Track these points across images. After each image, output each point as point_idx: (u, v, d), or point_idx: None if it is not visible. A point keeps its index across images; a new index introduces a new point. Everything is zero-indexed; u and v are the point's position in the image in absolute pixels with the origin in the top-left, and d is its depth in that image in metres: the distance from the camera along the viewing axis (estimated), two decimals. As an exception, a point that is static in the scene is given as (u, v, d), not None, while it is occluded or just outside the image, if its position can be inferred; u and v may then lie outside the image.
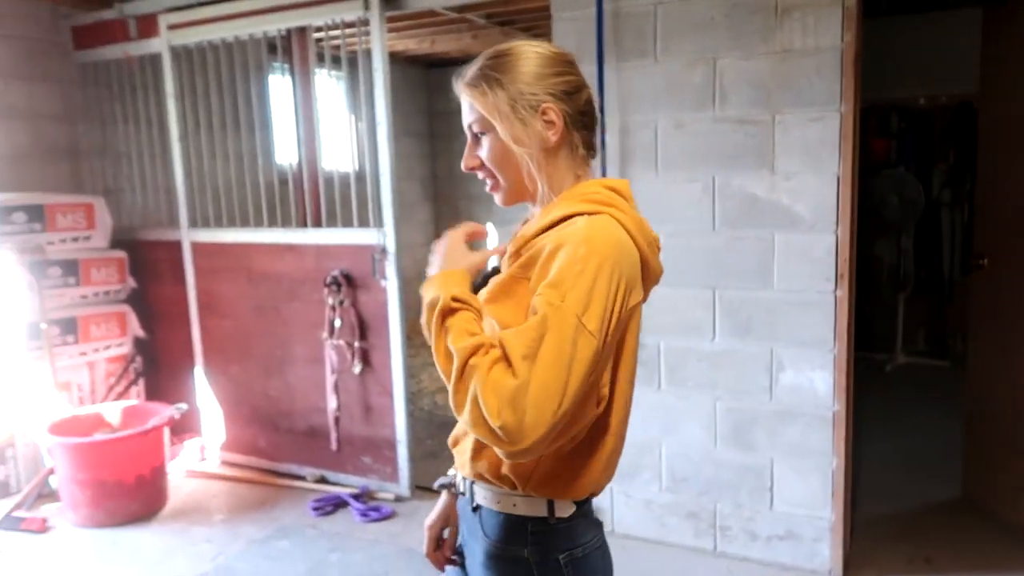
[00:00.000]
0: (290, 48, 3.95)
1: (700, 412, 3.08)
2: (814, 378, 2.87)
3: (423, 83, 7.75)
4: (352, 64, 3.66)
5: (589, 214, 1.17)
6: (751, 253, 2.92)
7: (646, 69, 2.99)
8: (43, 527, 3.52)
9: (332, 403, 3.82)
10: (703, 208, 2.97)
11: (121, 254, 4.18)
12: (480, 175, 1.29)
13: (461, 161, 1.30)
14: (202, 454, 4.24)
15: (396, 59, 6.92)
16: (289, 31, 3.79)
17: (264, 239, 3.92)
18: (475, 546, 1.32)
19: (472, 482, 1.30)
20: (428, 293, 1.21)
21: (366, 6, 3.41)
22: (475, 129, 1.24)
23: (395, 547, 3.27)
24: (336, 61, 3.79)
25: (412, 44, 6.28)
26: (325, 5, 3.53)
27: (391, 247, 3.57)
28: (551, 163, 1.24)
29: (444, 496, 1.47)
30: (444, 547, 1.48)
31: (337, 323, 3.73)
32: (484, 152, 1.25)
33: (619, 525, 3.29)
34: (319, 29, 3.76)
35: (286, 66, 4.19)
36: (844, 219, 2.76)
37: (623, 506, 3.27)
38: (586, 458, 1.23)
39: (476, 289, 1.29)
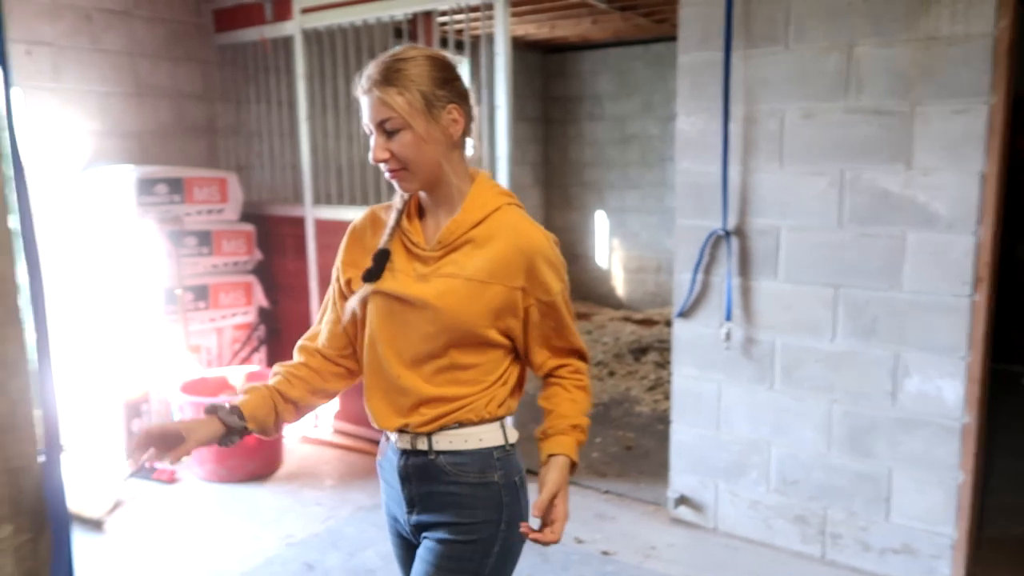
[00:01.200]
0: (415, 32, 4.04)
1: (815, 414, 2.96)
2: (943, 386, 2.71)
3: (540, 68, 7.76)
4: (474, 48, 3.70)
5: (507, 205, 1.47)
6: (879, 251, 2.77)
7: (776, 56, 2.88)
8: (172, 478, 3.78)
9: (440, 381, 3.91)
10: (829, 202, 2.85)
11: (249, 227, 4.41)
12: (387, 166, 1.41)
13: (370, 154, 1.41)
14: (316, 421, 4.44)
15: (515, 44, 6.94)
16: (415, 15, 3.87)
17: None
18: (434, 489, 1.49)
19: (429, 435, 1.47)
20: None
21: (491, -9, 3.44)
22: (388, 127, 1.38)
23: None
24: (458, 45, 3.85)
25: (532, 29, 6.29)
26: (451, -11, 3.59)
27: (504, 230, 3.60)
28: (454, 156, 1.44)
29: (210, 419, 1.46)
30: (174, 452, 1.39)
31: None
32: (397, 147, 1.38)
33: (722, 523, 3.22)
34: (444, 13, 3.82)
35: (410, 50, 4.28)
36: (987, 219, 2.58)
37: (728, 504, 3.20)
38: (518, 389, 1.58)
39: (373, 274, 1.46)
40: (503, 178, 3.58)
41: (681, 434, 3.31)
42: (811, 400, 2.96)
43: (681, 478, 3.33)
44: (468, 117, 1.45)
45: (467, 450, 1.47)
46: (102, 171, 4.02)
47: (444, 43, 4.11)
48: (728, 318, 3.07)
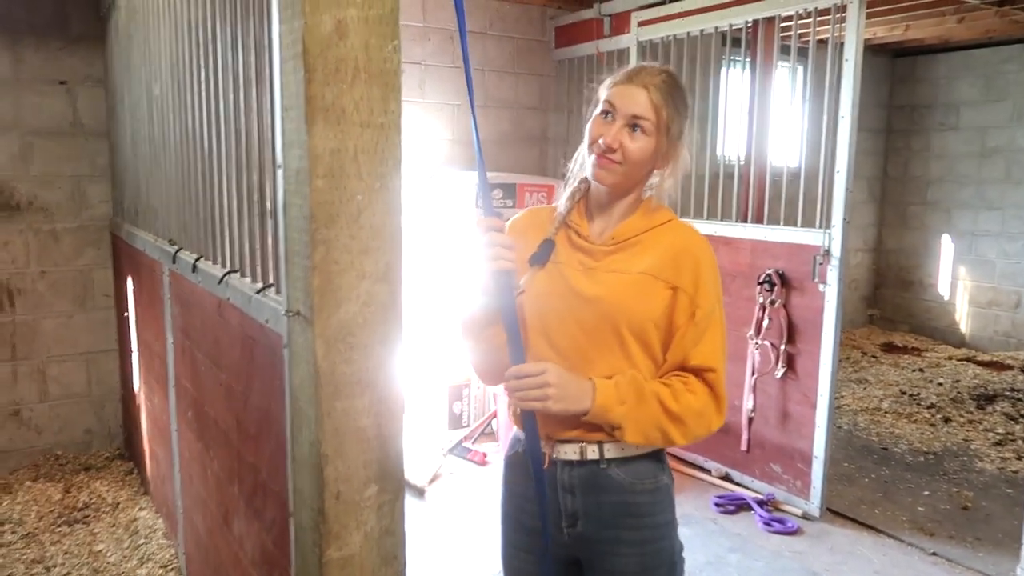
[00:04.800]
0: (754, 39, 3.90)
1: None
2: None
3: (887, 74, 7.08)
4: (818, 54, 3.46)
5: (677, 220, 1.52)
6: None
7: None
8: (483, 461, 4.09)
9: (748, 403, 3.74)
10: None
11: (571, 232, 4.61)
12: (610, 154, 1.42)
13: (605, 138, 1.42)
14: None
15: (857, 49, 6.41)
16: (756, 22, 3.74)
17: (701, 230, 3.97)
18: (603, 500, 1.44)
19: (600, 444, 1.43)
20: (615, 406, 1.37)
21: (845, -9, 3.20)
22: (640, 124, 1.41)
23: (798, 565, 3.10)
24: (799, 52, 3.63)
25: (881, 31, 5.75)
26: (799, -7, 3.41)
27: (836, 250, 3.33)
28: (646, 180, 1.50)
29: None
30: None
31: (765, 323, 3.62)
32: (632, 144, 1.41)
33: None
34: (786, 19, 3.63)
35: (745, 59, 4.16)
36: None
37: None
38: None
39: (539, 258, 1.48)
40: (840, 195, 3.31)
41: (1043, 505, 2.78)
42: None
43: (1039, 557, 2.80)
44: (675, 158, 1.50)
45: (636, 455, 1.44)
46: (451, 174, 4.48)
47: (782, 50, 3.93)
48: (1125, 374, 2.51)
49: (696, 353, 1.40)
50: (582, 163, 1.50)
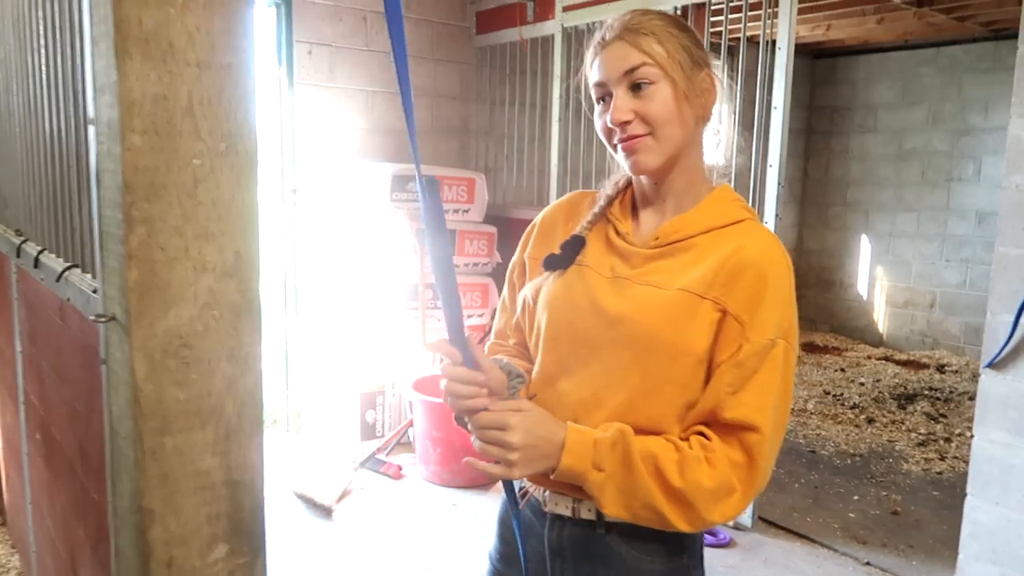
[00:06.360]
0: (682, 27, 3.73)
1: None
2: None
3: (807, 75, 7.09)
4: (749, 53, 3.31)
5: (751, 221, 1.13)
6: None
7: None
8: (398, 474, 3.79)
9: (678, 408, 3.56)
10: None
11: (492, 229, 4.35)
12: (624, 132, 1.08)
13: (611, 116, 1.08)
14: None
15: (780, 48, 6.39)
16: (686, 8, 3.56)
17: (629, 227, 3.78)
18: (599, 573, 1.12)
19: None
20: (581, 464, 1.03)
21: (778, -21, 3.05)
22: (638, 77, 1.06)
23: (732, 582, 2.93)
24: (729, 51, 3.47)
25: (803, 31, 5.72)
26: (731, -21, 3.25)
27: (769, 248, 3.18)
28: (696, 141, 1.14)
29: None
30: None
31: (695, 324, 3.45)
32: (648, 105, 1.06)
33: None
34: (717, 12, 3.46)
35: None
36: None
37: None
38: None
39: (558, 261, 1.16)
40: (773, 191, 3.16)
41: (979, 512, 2.68)
42: None
43: (974, 566, 2.69)
44: (719, 90, 1.14)
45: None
46: (364, 165, 4.16)
47: (715, 48, 3.78)
48: (1065, 377, 2.42)
49: (734, 403, 1.01)
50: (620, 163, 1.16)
